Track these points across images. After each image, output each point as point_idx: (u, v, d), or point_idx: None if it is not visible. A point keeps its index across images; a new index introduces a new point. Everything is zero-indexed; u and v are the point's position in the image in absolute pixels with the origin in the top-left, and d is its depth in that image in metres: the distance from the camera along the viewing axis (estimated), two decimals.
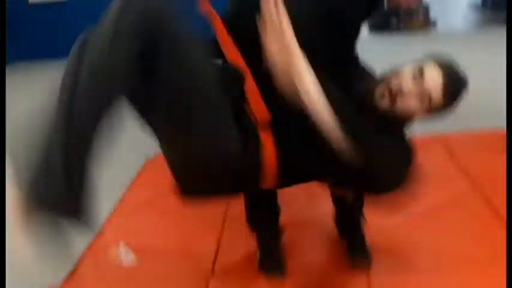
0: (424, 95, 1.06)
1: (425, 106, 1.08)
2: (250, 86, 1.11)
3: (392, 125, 1.12)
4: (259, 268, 1.48)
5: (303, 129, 1.06)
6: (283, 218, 1.54)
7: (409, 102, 1.07)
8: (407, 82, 1.07)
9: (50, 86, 0.96)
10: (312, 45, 1.06)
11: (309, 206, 1.84)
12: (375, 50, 3.23)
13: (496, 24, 5.06)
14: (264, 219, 1.53)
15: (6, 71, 4.30)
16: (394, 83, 1.08)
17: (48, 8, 6.04)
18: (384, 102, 1.09)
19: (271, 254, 1.49)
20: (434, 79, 1.07)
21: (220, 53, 1.18)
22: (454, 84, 1.10)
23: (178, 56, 1.00)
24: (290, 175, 1.15)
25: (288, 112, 1.07)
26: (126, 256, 1.56)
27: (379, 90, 1.10)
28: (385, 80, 1.12)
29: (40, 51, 5.94)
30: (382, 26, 5.65)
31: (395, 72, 1.11)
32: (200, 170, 1.08)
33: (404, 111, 1.09)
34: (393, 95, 1.07)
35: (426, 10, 5.91)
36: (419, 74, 1.07)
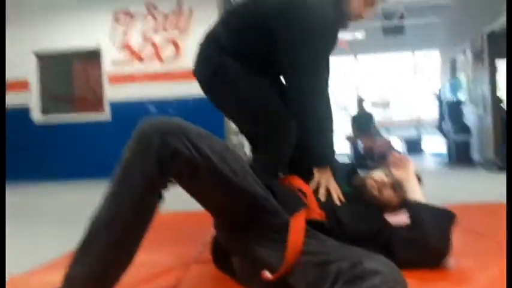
0: (396, 185, 1.48)
1: (397, 194, 1.47)
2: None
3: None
4: None
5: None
6: None
7: (388, 192, 1.46)
8: (384, 177, 1.49)
9: None
10: None
11: None
12: None
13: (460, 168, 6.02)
14: None
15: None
16: (377, 178, 1.48)
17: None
18: (374, 192, 1.46)
19: None
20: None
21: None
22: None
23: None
24: None
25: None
26: None
27: (370, 184, 1.47)
28: (369, 178, 1.50)
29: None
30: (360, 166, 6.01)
31: (372, 173, 1.53)
32: None
33: (385, 199, 1.45)
34: (379, 186, 1.46)
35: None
36: (390, 172, 1.52)
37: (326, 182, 1.50)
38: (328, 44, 1.59)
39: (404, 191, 1.52)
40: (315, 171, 1.53)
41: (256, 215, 1.17)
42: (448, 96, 7.00)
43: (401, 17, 9.69)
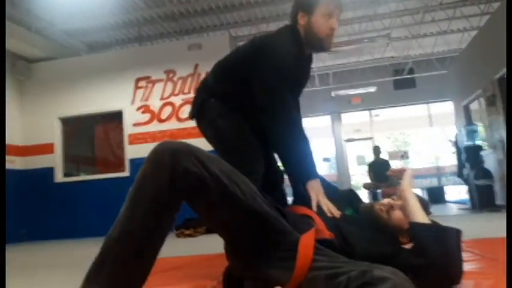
0: (403, 207, 1.43)
1: (406, 216, 1.41)
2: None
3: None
4: None
5: None
6: None
7: (396, 214, 1.44)
8: (390, 200, 1.50)
9: None
10: None
11: None
12: None
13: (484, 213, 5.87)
14: None
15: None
16: (384, 202, 1.49)
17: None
18: (383, 214, 1.46)
19: None
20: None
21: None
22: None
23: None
24: None
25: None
26: None
27: (377, 207, 1.48)
28: (375, 203, 1.52)
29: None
30: None
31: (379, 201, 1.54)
32: None
33: (395, 221, 1.44)
34: (387, 209, 1.46)
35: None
36: (397, 197, 1.49)
37: (317, 196, 1.58)
38: (292, 73, 1.78)
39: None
40: (308, 188, 1.63)
41: (267, 235, 1.17)
42: (465, 142, 6.96)
43: (411, 71, 9.97)
